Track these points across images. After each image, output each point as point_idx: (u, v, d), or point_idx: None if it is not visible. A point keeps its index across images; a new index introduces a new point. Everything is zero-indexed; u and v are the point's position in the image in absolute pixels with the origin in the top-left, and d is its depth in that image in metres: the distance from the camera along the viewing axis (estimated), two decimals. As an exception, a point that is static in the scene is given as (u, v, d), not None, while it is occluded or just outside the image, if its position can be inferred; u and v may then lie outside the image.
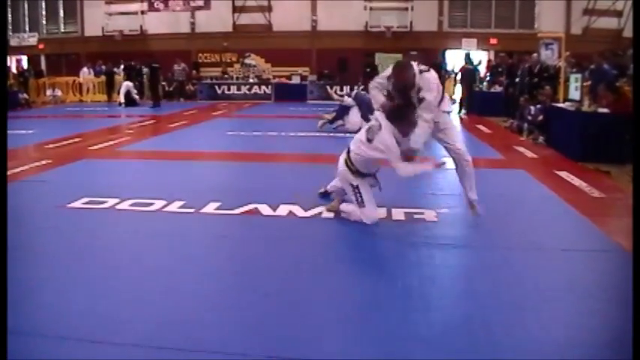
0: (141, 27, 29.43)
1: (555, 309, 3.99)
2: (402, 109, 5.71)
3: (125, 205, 6.62)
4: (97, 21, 29.40)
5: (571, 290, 4.30)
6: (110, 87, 26.08)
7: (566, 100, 12.21)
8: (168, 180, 8.40)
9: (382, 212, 6.19)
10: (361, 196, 5.88)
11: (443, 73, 23.48)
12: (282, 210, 6.41)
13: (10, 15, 30.27)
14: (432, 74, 5.85)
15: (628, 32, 24.12)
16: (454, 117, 15.80)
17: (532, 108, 13.63)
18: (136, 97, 23.46)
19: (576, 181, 8.23)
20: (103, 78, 26.55)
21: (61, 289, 4.22)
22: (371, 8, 27.72)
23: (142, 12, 29.45)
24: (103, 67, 26.82)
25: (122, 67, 26.35)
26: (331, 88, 25.63)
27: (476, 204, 6.10)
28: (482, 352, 3.37)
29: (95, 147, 11.58)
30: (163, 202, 6.67)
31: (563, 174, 8.73)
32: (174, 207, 6.54)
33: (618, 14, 25.46)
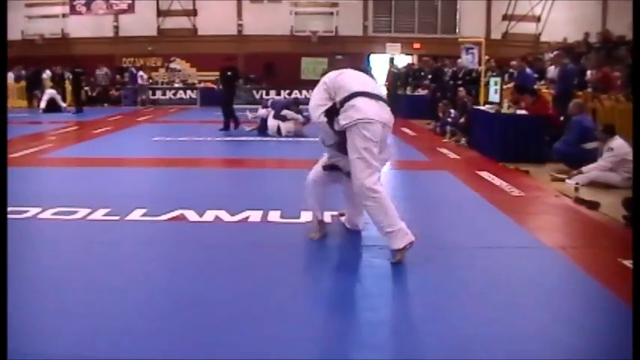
0: (62, 31, 28.74)
1: (479, 305, 4.10)
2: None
3: (47, 214, 6.44)
4: (16, 24, 28.50)
5: (494, 286, 4.44)
6: (31, 92, 25.34)
7: (486, 102, 12.56)
8: (92, 187, 8.23)
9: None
10: None
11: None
12: (209, 215, 6.37)
13: None
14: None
15: (545, 36, 25.00)
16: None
17: (452, 111, 14.01)
18: (62, 103, 22.90)
19: (497, 181, 8.47)
20: (23, 83, 25.80)
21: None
22: (296, 13, 27.86)
23: (64, 15, 28.72)
24: (23, 72, 26.07)
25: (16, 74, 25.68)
26: (257, 92, 25.86)
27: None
28: (407, 351, 3.45)
29: (16, 154, 11.23)
30: (87, 210, 6.52)
31: (485, 174, 8.98)
32: (99, 215, 6.42)
33: (536, 19, 26.33)
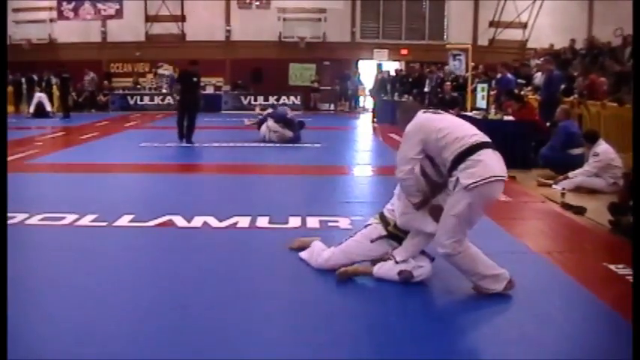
0: (50, 36, 28.61)
1: (465, 309, 4.15)
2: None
3: (35, 220, 6.42)
4: (2, 30, 28.42)
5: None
6: (18, 98, 25.21)
7: (473, 108, 12.63)
8: (79, 193, 8.21)
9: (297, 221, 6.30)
10: None
11: (351, 84, 24.38)
12: (197, 221, 6.37)
13: None
14: (417, 118, 4.47)
15: (532, 43, 25.14)
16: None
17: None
18: (49, 109, 22.72)
19: (484, 187, 8.50)
20: (10, 88, 25.65)
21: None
22: (284, 19, 27.86)
23: (51, 20, 28.55)
24: (10, 76, 25.93)
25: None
26: (245, 98, 26.03)
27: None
28: (393, 354, 3.47)
29: (2, 160, 11.19)
30: (75, 216, 6.51)
31: (472, 180, 9.00)
32: (87, 221, 6.40)
33: (523, 26, 26.47)
